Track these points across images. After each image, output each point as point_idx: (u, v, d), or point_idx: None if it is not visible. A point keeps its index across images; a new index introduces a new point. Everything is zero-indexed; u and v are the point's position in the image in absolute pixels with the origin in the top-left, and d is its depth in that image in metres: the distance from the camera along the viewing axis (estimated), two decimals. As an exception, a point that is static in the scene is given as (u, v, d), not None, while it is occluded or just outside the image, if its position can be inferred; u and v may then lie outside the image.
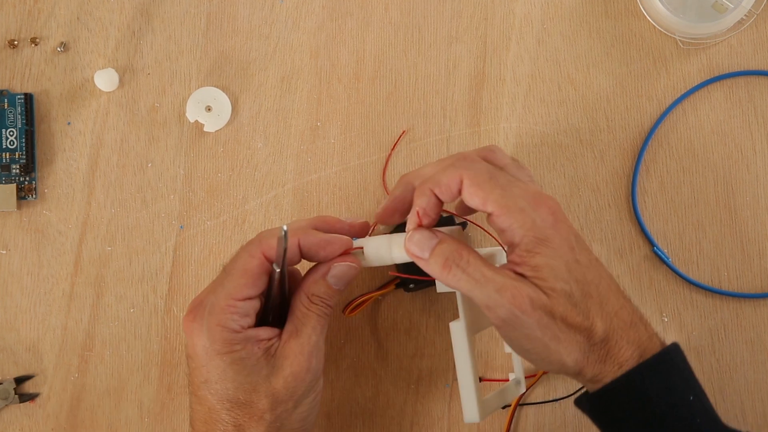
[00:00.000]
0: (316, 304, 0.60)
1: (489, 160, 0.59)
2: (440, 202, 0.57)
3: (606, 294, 0.56)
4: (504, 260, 0.65)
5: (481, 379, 0.68)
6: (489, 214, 0.56)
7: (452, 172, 0.56)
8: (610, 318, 0.55)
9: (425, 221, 0.57)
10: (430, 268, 0.57)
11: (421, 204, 0.57)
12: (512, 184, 0.56)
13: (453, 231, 0.63)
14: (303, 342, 0.58)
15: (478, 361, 0.64)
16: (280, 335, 0.59)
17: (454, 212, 0.66)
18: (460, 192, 0.56)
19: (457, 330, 0.61)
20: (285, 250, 0.56)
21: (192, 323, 0.57)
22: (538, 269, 0.54)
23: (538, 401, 0.70)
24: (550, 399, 0.70)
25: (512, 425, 0.70)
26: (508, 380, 0.68)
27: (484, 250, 0.61)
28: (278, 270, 0.57)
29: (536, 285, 0.54)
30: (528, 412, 0.70)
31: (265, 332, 0.58)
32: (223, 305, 0.56)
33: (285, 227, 0.55)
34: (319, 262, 0.61)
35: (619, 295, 0.57)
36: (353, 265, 0.60)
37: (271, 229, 0.61)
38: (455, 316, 0.62)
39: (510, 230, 0.54)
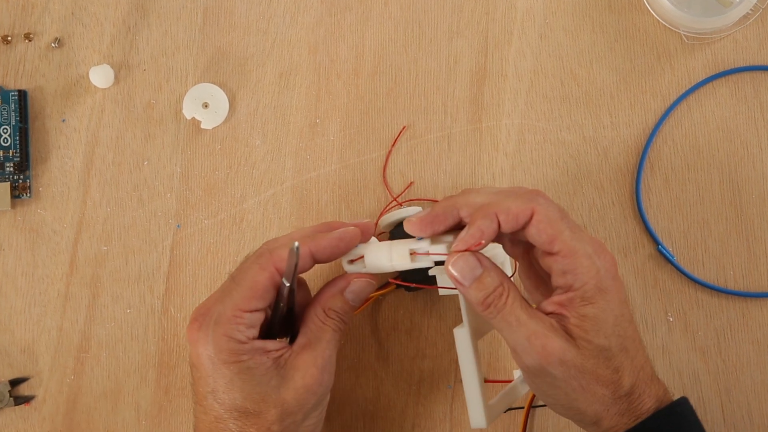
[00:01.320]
0: (332, 319, 0.60)
1: None
2: (499, 230, 0.55)
3: (637, 348, 0.57)
4: (502, 257, 0.65)
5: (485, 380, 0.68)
6: (549, 254, 0.55)
7: (523, 203, 0.55)
8: (637, 372, 0.56)
9: (478, 245, 0.55)
10: (468, 296, 0.56)
11: (484, 227, 0.55)
12: (579, 229, 0.56)
13: (497, 254, 0.63)
14: (317, 355, 0.58)
15: (482, 364, 0.63)
16: (288, 347, 0.58)
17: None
18: (523, 225, 0.55)
19: (462, 336, 0.60)
20: (296, 266, 0.56)
21: (197, 332, 0.56)
22: (584, 319, 0.54)
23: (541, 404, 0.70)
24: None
25: (527, 426, 0.69)
26: (512, 380, 0.67)
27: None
28: (288, 285, 0.57)
29: (573, 335, 0.54)
30: (544, 411, 0.70)
31: (272, 344, 0.58)
32: (230, 315, 0.56)
33: (296, 244, 0.54)
34: (337, 277, 0.61)
35: (644, 349, 0.58)
36: (372, 281, 0.61)
37: (279, 238, 0.60)
38: (457, 317, 0.61)
39: (573, 274, 0.54)
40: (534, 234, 0.55)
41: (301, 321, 0.60)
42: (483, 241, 0.55)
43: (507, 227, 0.55)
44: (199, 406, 0.57)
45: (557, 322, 0.55)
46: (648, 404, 0.56)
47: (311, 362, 0.57)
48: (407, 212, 0.67)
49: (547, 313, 0.55)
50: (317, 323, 0.59)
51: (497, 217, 0.55)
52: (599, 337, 0.54)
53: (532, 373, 0.56)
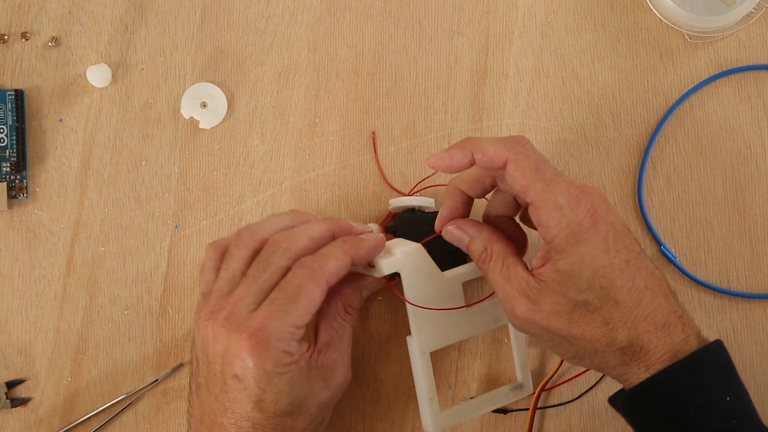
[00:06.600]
0: (351, 315, 0.63)
1: None
2: (472, 163, 0.57)
3: (638, 296, 0.55)
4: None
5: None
6: (528, 204, 0.55)
7: (500, 149, 0.56)
8: (637, 322, 0.54)
9: (447, 168, 0.58)
10: None
11: (455, 155, 0.58)
12: (557, 179, 0.55)
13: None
14: (343, 353, 0.61)
15: (433, 374, 0.64)
16: (311, 346, 0.59)
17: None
18: (497, 168, 0.56)
19: (410, 346, 0.63)
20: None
21: (255, 348, 0.55)
22: (558, 274, 0.54)
23: (546, 406, 0.69)
24: (557, 403, 0.69)
25: (533, 427, 0.68)
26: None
27: None
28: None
29: (552, 290, 0.54)
30: (550, 412, 0.69)
31: (304, 346, 0.58)
32: (289, 333, 0.56)
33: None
34: (353, 274, 0.63)
35: (656, 294, 0.55)
36: (382, 279, 0.63)
37: (325, 251, 0.59)
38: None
39: (545, 226, 0.54)
40: (509, 183, 0.56)
41: (318, 317, 0.62)
42: (452, 169, 0.58)
43: (482, 165, 0.57)
44: (234, 414, 0.57)
45: (536, 280, 0.55)
46: (655, 354, 0.54)
47: (340, 361, 0.60)
48: (417, 201, 0.68)
49: (537, 267, 0.56)
50: (339, 321, 0.62)
51: (472, 153, 0.57)
52: (572, 291, 0.54)
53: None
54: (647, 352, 0.54)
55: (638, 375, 0.55)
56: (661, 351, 0.54)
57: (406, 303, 0.62)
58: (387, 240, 0.66)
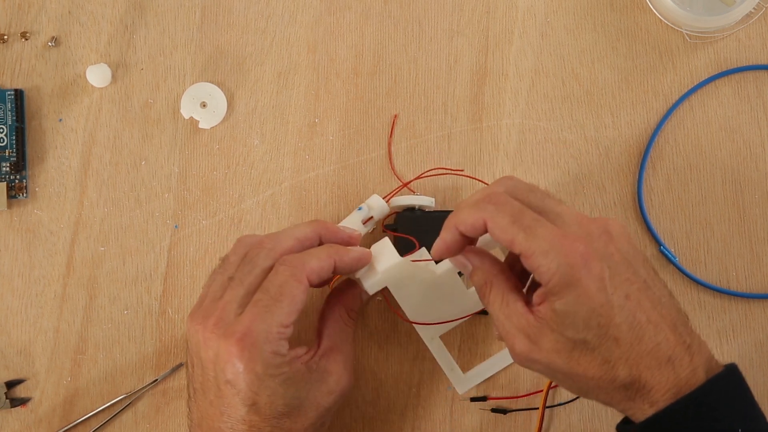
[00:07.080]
0: (353, 320, 0.65)
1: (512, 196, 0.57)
2: (466, 238, 0.57)
3: (639, 332, 0.53)
4: None
5: (486, 398, 0.70)
6: (519, 256, 0.55)
7: (476, 214, 0.55)
8: (639, 359, 0.53)
9: (447, 254, 0.58)
10: None
11: (447, 238, 0.57)
12: (537, 225, 0.54)
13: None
14: (345, 358, 0.62)
15: (447, 351, 0.68)
16: (312, 350, 0.61)
17: None
18: (485, 231, 0.56)
19: (420, 334, 0.67)
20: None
21: (244, 352, 0.56)
22: (555, 314, 0.53)
23: (547, 406, 0.69)
24: (557, 403, 0.69)
25: (542, 426, 0.69)
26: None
27: None
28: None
29: (551, 328, 0.54)
30: (560, 411, 0.69)
31: (300, 349, 0.60)
32: (276, 333, 0.57)
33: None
34: (350, 279, 0.65)
35: (660, 327, 0.54)
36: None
37: (283, 235, 0.61)
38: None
39: (538, 272, 0.54)
40: (496, 240, 0.55)
41: (321, 322, 0.64)
42: (449, 253, 0.58)
43: (472, 235, 0.57)
44: (230, 419, 0.57)
45: (535, 318, 0.54)
46: (659, 391, 0.53)
47: (342, 365, 0.61)
48: (419, 200, 0.68)
49: (536, 305, 0.55)
50: (341, 325, 0.64)
51: (457, 229, 0.56)
52: (570, 331, 0.53)
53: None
54: (650, 389, 0.53)
55: (643, 411, 0.54)
56: (665, 388, 0.53)
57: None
58: (385, 233, 0.67)
